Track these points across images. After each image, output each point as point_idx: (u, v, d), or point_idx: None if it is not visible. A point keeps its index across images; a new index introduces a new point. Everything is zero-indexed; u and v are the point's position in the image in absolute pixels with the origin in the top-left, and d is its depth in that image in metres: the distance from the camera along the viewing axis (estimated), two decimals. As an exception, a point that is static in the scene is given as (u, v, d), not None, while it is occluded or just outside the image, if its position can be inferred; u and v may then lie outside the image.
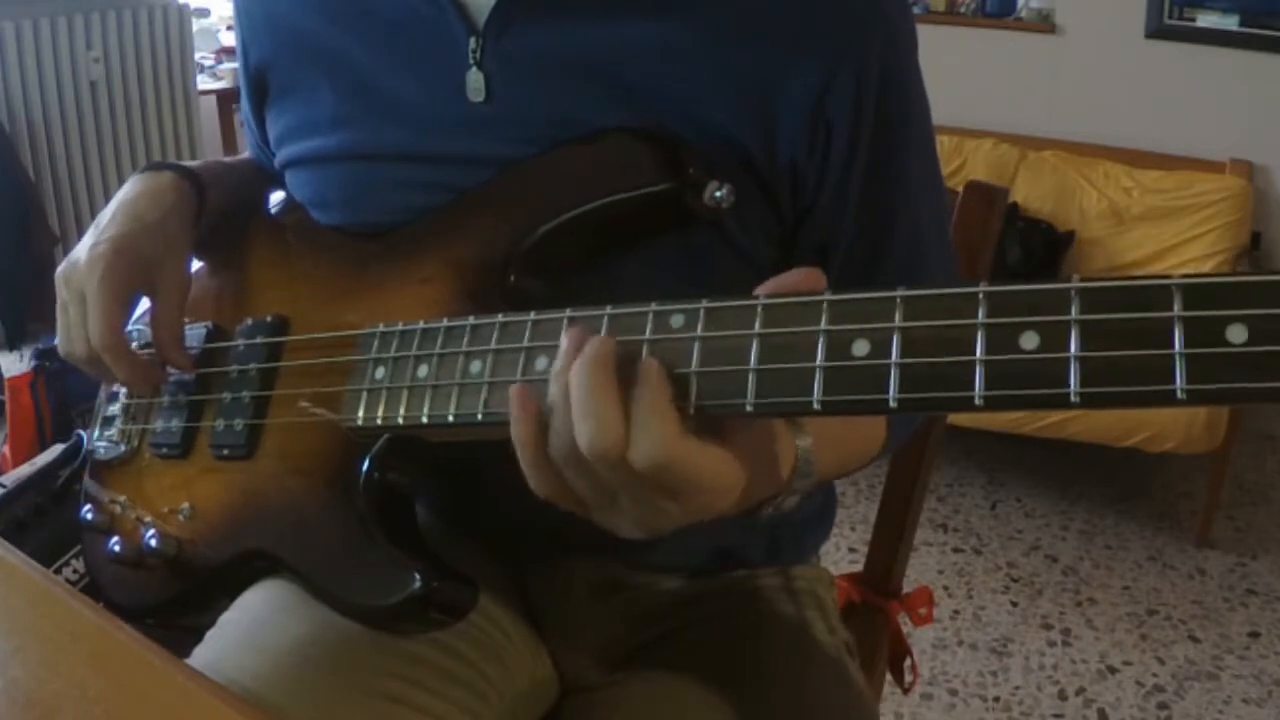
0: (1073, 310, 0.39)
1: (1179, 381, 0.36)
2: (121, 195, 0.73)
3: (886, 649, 0.99)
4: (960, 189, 0.93)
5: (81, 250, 0.70)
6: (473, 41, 0.66)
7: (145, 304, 0.73)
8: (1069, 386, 0.38)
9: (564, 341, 0.48)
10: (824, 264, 0.68)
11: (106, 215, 0.72)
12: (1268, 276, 0.36)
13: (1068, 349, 0.39)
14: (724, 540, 0.79)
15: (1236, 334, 0.36)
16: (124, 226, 0.70)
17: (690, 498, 0.47)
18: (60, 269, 0.70)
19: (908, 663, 1.01)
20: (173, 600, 0.72)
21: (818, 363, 0.44)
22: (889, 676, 1.01)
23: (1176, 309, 0.37)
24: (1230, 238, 2.60)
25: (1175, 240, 2.63)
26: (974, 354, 0.40)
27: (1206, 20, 2.73)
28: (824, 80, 0.63)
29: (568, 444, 0.47)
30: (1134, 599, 2.16)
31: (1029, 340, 0.39)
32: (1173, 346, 0.37)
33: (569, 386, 0.47)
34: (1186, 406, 0.37)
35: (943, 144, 2.81)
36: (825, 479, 0.60)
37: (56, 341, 0.71)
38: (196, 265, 0.77)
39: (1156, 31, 2.78)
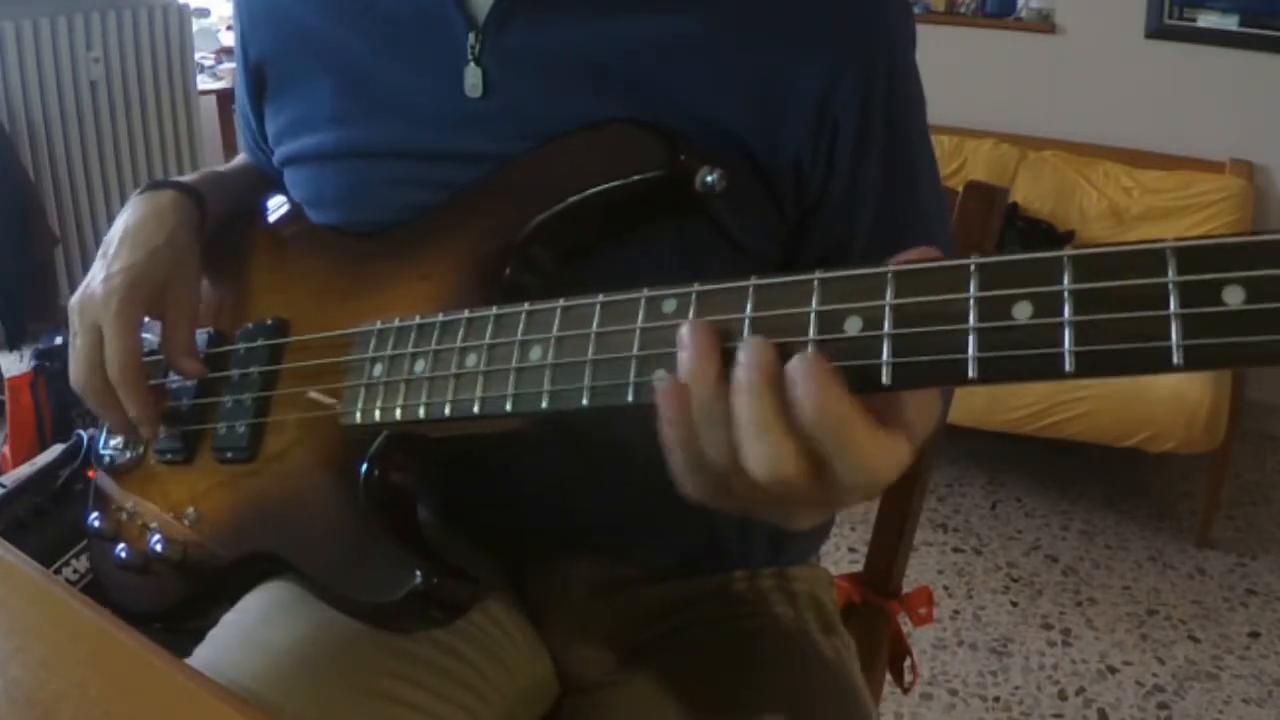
0: (1065, 279, 0.38)
1: (1175, 343, 0.36)
2: (125, 221, 0.73)
3: (886, 649, 0.99)
4: (960, 189, 0.93)
5: (95, 282, 0.70)
6: (472, 37, 0.66)
7: None
8: (1063, 348, 0.38)
9: (690, 348, 0.45)
10: (841, 263, 0.69)
11: (114, 243, 0.72)
12: (1264, 236, 0.35)
13: (1061, 316, 0.38)
14: (721, 541, 0.79)
15: (1233, 295, 0.35)
16: (133, 256, 0.70)
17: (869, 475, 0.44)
18: (75, 299, 0.70)
19: (908, 663, 1.01)
20: (180, 604, 0.73)
21: (809, 338, 0.44)
22: (889, 676, 1.01)
23: (1171, 273, 0.36)
24: (1230, 238, 2.60)
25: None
26: (967, 325, 0.40)
27: (1206, 20, 2.73)
28: (830, 77, 0.63)
29: (728, 459, 0.44)
30: (1134, 599, 2.16)
31: (1022, 310, 0.39)
32: (1168, 309, 0.36)
33: (734, 410, 0.43)
34: (1184, 371, 0.36)
35: (943, 144, 2.81)
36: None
37: (70, 375, 0.71)
38: (199, 272, 0.77)
39: (1156, 31, 2.78)
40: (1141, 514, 2.48)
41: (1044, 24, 2.89)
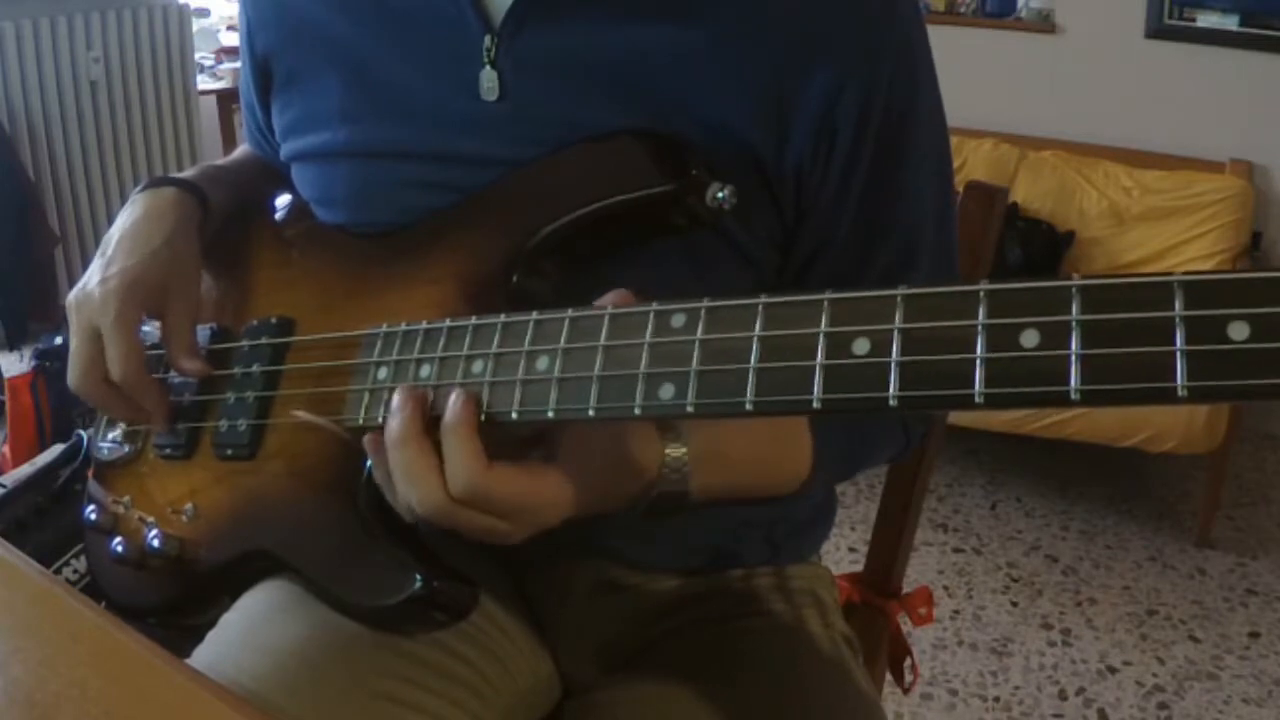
0: (1073, 309, 0.39)
1: (1180, 379, 0.36)
2: (125, 219, 0.72)
3: (886, 649, 0.99)
4: (960, 189, 0.93)
5: (92, 280, 0.69)
6: (488, 40, 0.66)
7: None
8: (1069, 384, 0.38)
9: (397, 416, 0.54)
10: (818, 265, 0.69)
11: (112, 242, 0.71)
12: (1269, 273, 0.36)
13: (1068, 347, 0.38)
14: (722, 541, 0.79)
15: (1238, 331, 0.36)
16: (132, 256, 0.69)
17: (517, 517, 0.53)
18: (72, 297, 0.70)
19: (908, 663, 1.00)
20: (175, 600, 0.72)
21: (818, 361, 0.44)
22: (889, 676, 1.01)
23: (1178, 307, 0.37)
24: (1230, 238, 2.60)
25: (1175, 240, 2.63)
26: (974, 352, 0.40)
27: (1206, 20, 2.73)
28: (834, 87, 0.63)
29: (408, 504, 0.55)
30: (1134, 599, 2.16)
31: (1029, 338, 0.39)
32: (1174, 344, 0.37)
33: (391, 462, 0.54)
34: (1188, 404, 0.37)
35: (943, 144, 2.80)
36: (712, 495, 0.60)
37: (68, 376, 0.71)
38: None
39: (1156, 31, 2.78)
40: (1141, 514, 2.48)
41: (1044, 24, 2.89)
